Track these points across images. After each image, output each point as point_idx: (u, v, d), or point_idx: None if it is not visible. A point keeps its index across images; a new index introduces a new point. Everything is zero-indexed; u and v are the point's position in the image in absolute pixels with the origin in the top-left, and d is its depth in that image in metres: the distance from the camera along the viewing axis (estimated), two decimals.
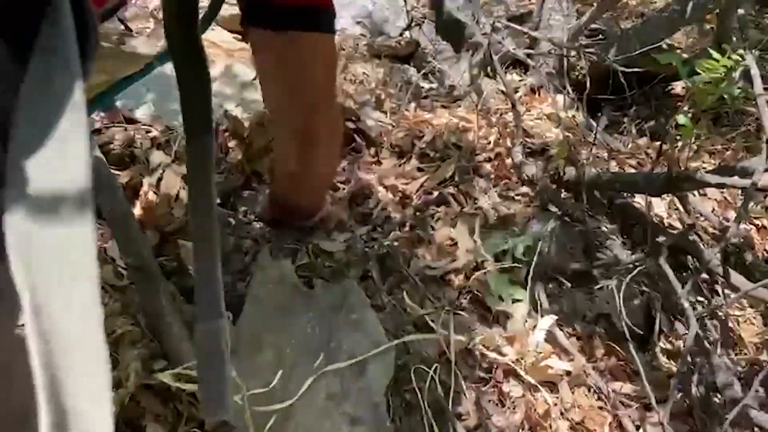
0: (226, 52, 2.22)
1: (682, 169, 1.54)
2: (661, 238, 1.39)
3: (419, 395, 1.11)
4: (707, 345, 1.27)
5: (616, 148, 2.15)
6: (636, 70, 1.89)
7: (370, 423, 1.03)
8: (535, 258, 1.61)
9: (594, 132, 1.81)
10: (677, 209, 1.96)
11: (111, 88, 0.82)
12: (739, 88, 1.51)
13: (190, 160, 0.68)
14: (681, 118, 1.69)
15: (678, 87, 2.73)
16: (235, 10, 2.56)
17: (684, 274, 1.77)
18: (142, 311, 1.29)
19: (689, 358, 1.44)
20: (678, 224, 1.92)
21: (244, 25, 1.07)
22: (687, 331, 1.50)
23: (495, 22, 1.96)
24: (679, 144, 2.10)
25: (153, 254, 1.40)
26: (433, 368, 1.15)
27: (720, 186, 1.47)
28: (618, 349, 1.54)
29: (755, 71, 1.32)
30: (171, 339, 1.24)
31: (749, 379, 1.52)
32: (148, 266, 1.31)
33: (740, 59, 1.43)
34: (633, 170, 2.05)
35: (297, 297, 1.25)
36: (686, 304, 1.12)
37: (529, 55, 2.21)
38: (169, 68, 1.93)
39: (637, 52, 2.09)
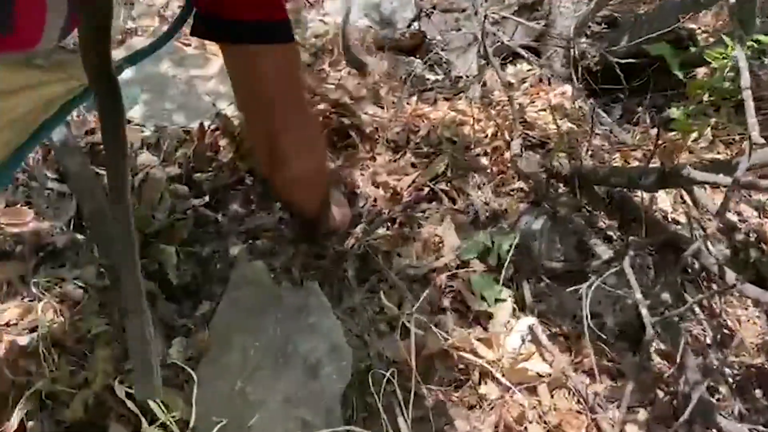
0: None
1: (674, 164, 1.49)
2: (631, 237, 1.35)
3: (377, 399, 1.11)
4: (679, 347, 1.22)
5: (622, 140, 2.08)
6: (631, 60, 1.82)
7: (323, 428, 1.03)
8: (520, 256, 1.58)
9: (591, 122, 1.76)
10: (684, 202, 1.89)
11: (83, 95, 0.83)
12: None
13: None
14: (674, 111, 1.64)
15: (700, 73, 2.62)
16: None
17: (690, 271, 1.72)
18: (118, 311, 1.32)
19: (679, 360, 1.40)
20: (684, 219, 1.86)
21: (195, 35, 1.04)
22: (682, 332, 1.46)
23: (488, 13, 1.91)
24: (691, 136, 2.03)
25: None
26: (390, 372, 1.14)
27: (705, 183, 1.41)
28: (607, 349, 1.50)
29: (743, 64, 1.26)
30: None
31: (743, 383, 1.47)
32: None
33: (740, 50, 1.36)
34: (638, 163, 1.98)
35: (266, 298, 1.25)
36: (644, 311, 1.08)
37: (528, 47, 2.15)
38: (164, 68, 1.95)
39: (642, 39, 2.01)
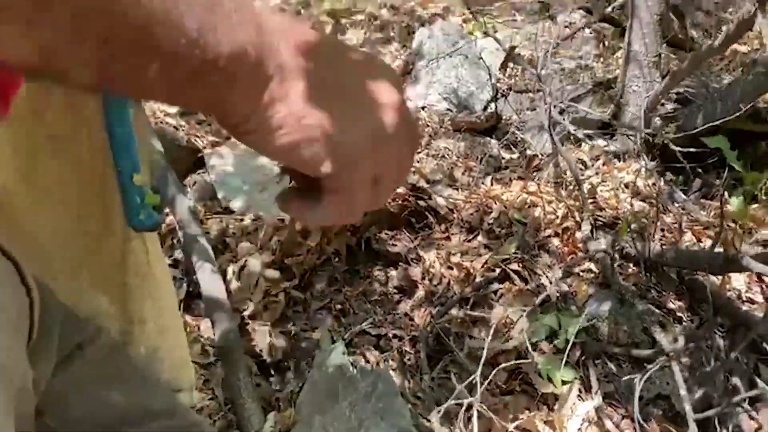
0: None
1: (737, 250, 1.53)
2: (676, 330, 1.40)
3: None
4: None
5: (694, 218, 2.12)
6: (703, 136, 1.87)
7: None
8: (588, 338, 1.66)
9: (656, 203, 1.83)
10: (760, 280, 1.90)
11: None
12: None
13: None
14: (734, 201, 1.68)
15: None
16: None
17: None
18: (221, 385, 1.51)
19: None
20: (760, 298, 1.86)
21: None
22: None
23: (555, 103, 2.03)
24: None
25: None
26: None
27: (761, 274, 1.45)
28: None
29: None
30: (244, 413, 1.44)
31: None
32: (231, 346, 1.53)
33: None
34: (711, 241, 2.00)
35: (343, 381, 1.40)
36: (687, 407, 1.13)
37: (603, 125, 2.24)
38: (261, 159, 2.18)
39: (710, 122, 2.06)
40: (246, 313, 1.67)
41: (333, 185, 0.38)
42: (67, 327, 0.51)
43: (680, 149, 2.03)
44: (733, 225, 1.65)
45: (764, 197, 2.26)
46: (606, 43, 3.12)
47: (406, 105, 0.39)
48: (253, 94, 0.33)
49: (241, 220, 1.95)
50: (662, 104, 2.47)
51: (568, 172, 2.29)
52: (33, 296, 0.43)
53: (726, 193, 2.35)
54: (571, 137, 2.46)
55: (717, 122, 2.07)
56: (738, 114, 2.07)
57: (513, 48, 2.75)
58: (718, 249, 1.65)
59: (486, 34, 2.79)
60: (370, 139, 0.37)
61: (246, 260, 1.74)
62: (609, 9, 3.24)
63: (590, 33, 3.20)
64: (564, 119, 2.15)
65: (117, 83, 0.30)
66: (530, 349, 1.62)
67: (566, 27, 3.46)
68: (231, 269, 1.72)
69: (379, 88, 0.38)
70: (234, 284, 1.70)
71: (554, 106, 2.02)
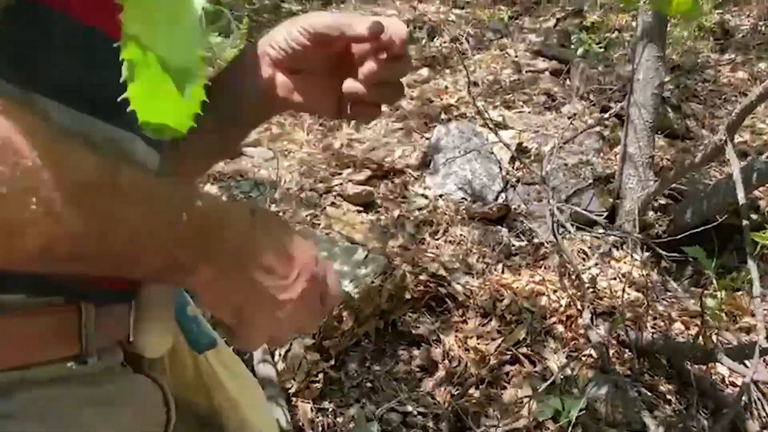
0: (348, 225, 2.76)
1: (714, 345, 1.80)
2: (666, 410, 1.65)
3: None
4: None
5: (684, 306, 2.38)
6: (694, 231, 2.15)
7: None
8: (587, 419, 1.90)
9: (645, 295, 2.09)
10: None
11: None
12: None
13: None
14: (709, 302, 1.95)
15: None
16: (359, 188, 3.08)
17: None
18: None
19: None
20: (741, 381, 2.11)
21: None
22: None
23: (557, 205, 2.33)
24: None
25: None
26: None
27: (731, 370, 1.70)
28: None
29: (755, 274, 1.59)
30: None
31: None
32: (279, 421, 1.79)
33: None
34: (698, 328, 2.26)
35: None
36: None
37: (600, 218, 2.53)
38: None
39: (703, 227, 2.34)
40: (291, 391, 1.93)
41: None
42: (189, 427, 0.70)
43: (671, 242, 2.31)
44: (716, 314, 1.91)
45: (748, 284, 2.52)
46: (606, 136, 3.45)
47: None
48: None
49: None
50: (655, 200, 2.76)
51: (573, 260, 2.57)
52: (171, 412, 0.58)
53: (715, 281, 2.63)
54: (574, 226, 2.75)
55: (709, 225, 2.34)
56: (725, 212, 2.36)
57: (520, 144, 3.07)
58: (701, 340, 1.91)
59: (497, 127, 3.12)
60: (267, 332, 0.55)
61: (291, 344, 2.02)
62: (611, 105, 3.59)
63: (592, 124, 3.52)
64: (564, 217, 2.45)
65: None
66: (541, 427, 1.87)
67: (570, 119, 3.80)
68: (278, 352, 2.00)
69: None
70: (281, 365, 1.97)
71: (556, 208, 2.31)
